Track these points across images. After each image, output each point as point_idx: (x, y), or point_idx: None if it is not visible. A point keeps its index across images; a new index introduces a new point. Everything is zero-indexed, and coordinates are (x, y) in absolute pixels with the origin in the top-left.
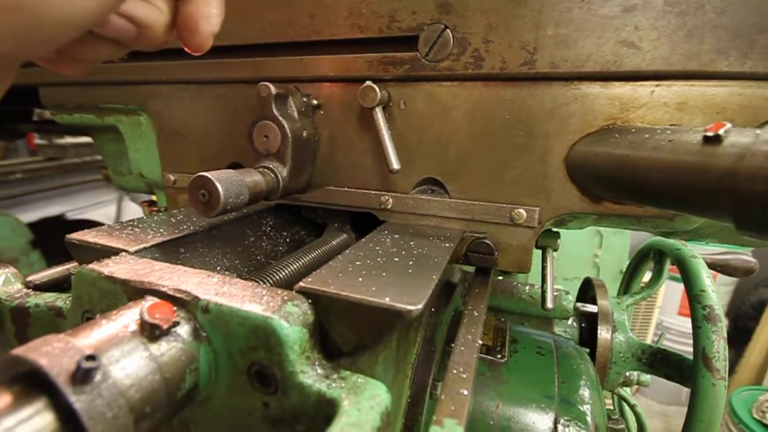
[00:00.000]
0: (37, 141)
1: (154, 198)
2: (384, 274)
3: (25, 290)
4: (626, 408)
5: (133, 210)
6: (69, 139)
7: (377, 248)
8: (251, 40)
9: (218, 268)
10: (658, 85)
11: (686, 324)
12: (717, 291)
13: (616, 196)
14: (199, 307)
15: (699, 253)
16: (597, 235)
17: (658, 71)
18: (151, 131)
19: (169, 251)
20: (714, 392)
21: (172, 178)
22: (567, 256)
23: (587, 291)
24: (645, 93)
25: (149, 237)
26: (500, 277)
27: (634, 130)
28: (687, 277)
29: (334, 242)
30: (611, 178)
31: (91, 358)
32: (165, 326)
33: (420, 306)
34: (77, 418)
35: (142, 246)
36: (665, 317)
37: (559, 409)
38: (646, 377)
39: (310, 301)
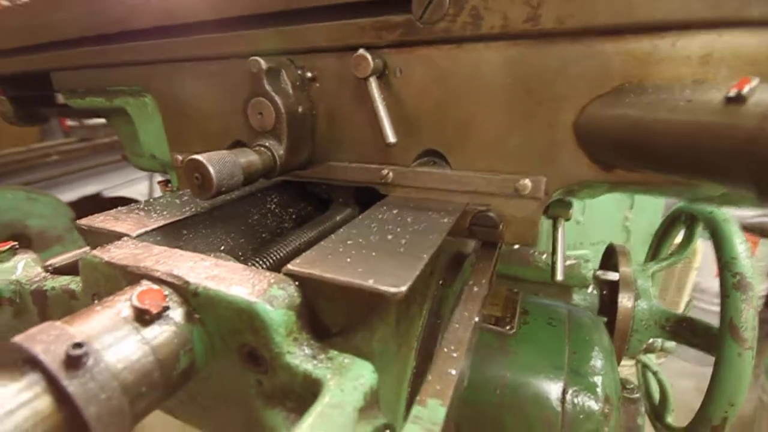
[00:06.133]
0: (70, 123)
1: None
2: (374, 254)
3: (43, 274)
4: (650, 375)
5: None
6: (98, 120)
7: (373, 225)
8: (242, 11)
9: (222, 248)
10: (678, 37)
11: None
12: (750, 258)
13: (628, 163)
14: (189, 291)
15: (734, 216)
16: (628, 196)
17: (678, 21)
18: (157, 112)
19: (171, 234)
20: (740, 362)
21: (179, 158)
22: (593, 219)
23: (610, 258)
24: (664, 46)
25: (152, 220)
26: (516, 246)
27: (650, 90)
28: (718, 242)
29: (338, 218)
30: (622, 143)
31: (78, 345)
32: (155, 311)
33: (404, 288)
34: (72, 400)
35: (143, 230)
36: (702, 278)
37: (569, 379)
38: (671, 344)
39: (297, 283)
